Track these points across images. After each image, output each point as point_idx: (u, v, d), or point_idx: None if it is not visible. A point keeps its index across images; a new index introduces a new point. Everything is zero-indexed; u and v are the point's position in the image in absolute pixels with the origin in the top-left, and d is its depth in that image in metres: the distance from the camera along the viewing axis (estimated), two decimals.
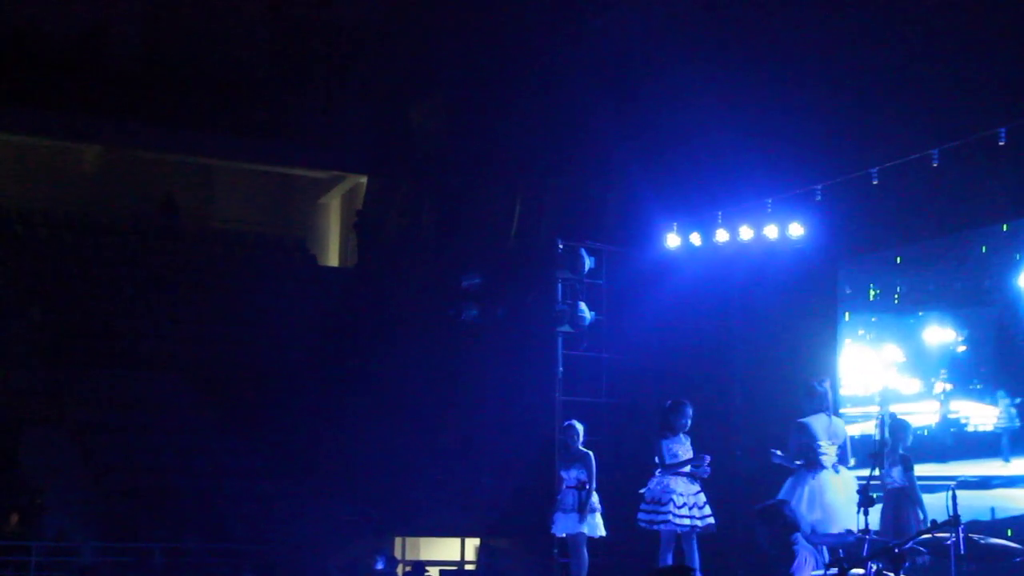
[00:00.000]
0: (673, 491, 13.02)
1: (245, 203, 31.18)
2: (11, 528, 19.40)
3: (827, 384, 12.61)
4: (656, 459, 13.33)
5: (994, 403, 14.47)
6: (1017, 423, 14.08)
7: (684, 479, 13.15)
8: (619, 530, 14.37)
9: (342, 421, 22.81)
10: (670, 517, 12.95)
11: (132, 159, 29.43)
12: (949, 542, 7.38)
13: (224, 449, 22.08)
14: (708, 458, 13.17)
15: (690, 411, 13.36)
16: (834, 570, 7.78)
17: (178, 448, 22.07)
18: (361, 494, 21.79)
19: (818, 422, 12.37)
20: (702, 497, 13.21)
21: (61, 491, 20.80)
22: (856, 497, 11.74)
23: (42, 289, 24.24)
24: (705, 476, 13.29)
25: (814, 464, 12.24)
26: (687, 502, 13.03)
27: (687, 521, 12.90)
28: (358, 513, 21.27)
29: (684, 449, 13.29)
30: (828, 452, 12.29)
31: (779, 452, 12.56)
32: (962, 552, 7.35)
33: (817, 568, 8.99)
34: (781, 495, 12.36)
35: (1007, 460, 14.19)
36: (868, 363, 15.99)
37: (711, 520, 13.11)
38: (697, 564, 12.84)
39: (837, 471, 12.32)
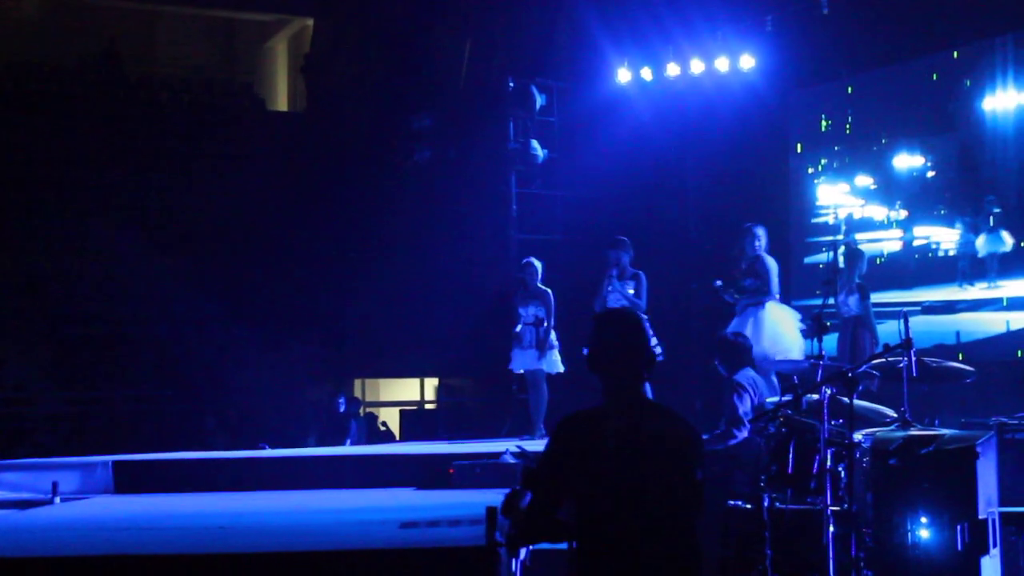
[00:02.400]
0: None
1: (189, 49, 30.67)
2: None
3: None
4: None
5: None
6: (975, 248, 14.26)
7: None
8: (577, 366, 14.49)
9: (296, 266, 22.75)
10: None
11: (73, 5, 28.83)
12: (902, 365, 7.46)
13: (178, 297, 21.99)
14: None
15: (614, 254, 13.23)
16: (789, 395, 7.87)
17: (131, 297, 21.97)
18: (319, 338, 21.86)
19: None
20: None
21: (17, 342, 20.75)
22: (799, 326, 12.10)
23: None
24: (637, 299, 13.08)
25: None
26: None
27: None
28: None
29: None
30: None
31: (719, 281, 12.72)
32: (914, 375, 7.43)
33: (772, 395, 9.15)
34: (731, 327, 12.61)
35: (970, 284, 14.37)
36: (836, 193, 16.10)
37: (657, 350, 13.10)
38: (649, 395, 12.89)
39: (779, 301, 12.51)
